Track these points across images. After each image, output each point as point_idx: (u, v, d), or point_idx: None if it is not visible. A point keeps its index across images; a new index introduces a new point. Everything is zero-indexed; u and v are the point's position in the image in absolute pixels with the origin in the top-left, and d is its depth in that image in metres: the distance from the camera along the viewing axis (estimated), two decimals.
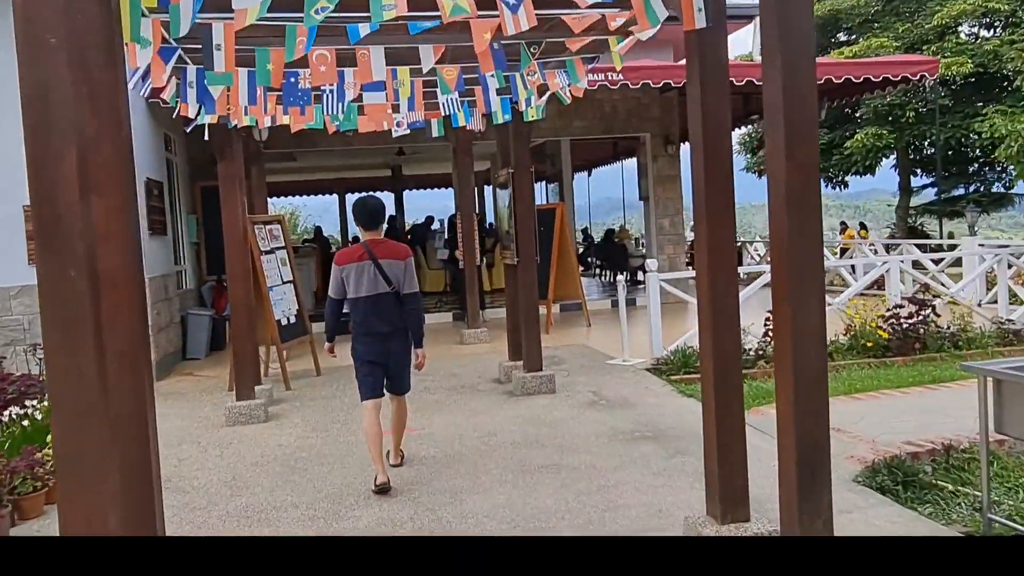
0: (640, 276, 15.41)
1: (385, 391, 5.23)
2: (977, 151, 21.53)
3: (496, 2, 3.66)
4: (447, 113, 6.45)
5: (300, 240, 20.06)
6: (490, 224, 15.30)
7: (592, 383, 7.70)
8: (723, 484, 3.80)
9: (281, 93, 5.45)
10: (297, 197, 27.51)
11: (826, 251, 14.39)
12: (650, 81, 10.48)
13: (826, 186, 23.24)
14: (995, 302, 10.57)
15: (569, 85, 5.84)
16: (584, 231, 23.88)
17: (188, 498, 5.09)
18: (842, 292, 9.94)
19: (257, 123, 6.52)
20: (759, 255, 18.64)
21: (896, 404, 6.52)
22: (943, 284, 11.32)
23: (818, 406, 3.19)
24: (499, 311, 10.94)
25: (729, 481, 3.80)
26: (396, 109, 6.26)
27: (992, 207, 23.62)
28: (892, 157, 22.50)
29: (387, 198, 19.01)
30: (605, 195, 28.64)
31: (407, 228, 19.85)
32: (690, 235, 18.42)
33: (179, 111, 5.10)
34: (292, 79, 4.97)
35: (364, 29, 3.80)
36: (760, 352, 8.10)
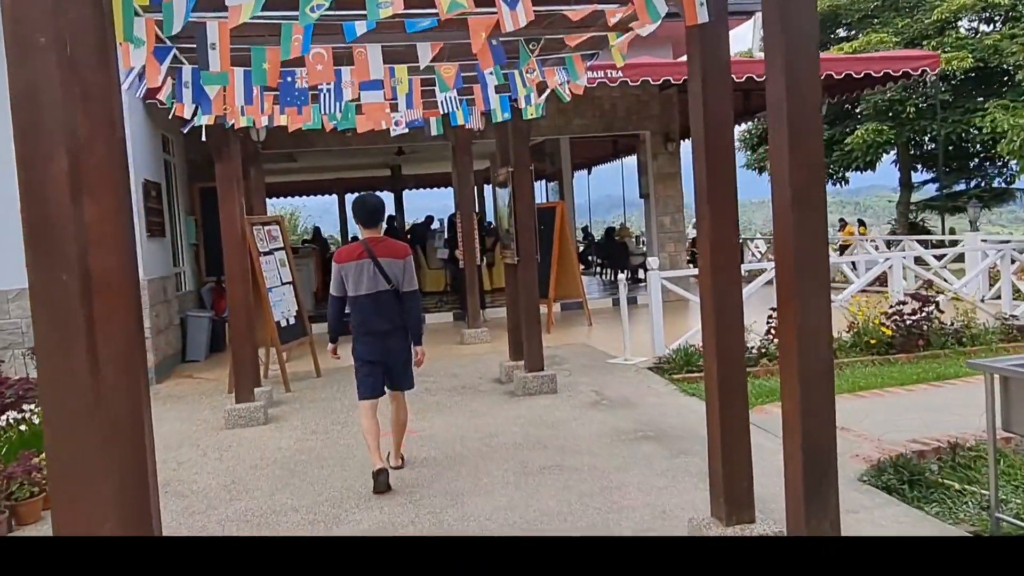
0: (641, 274, 15.37)
1: (386, 389, 5.21)
2: (978, 146, 21.46)
3: None
4: (445, 111, 6.40)
5: (300, 241, 20.03)
6: (489, 223, 15.26)
7: (594, 383, 7.65)
8: (727, 485, 3.75)
9: (278, 93, 5.41)
10: (297, 198, 27.49)
11: None
12: (650, 78, 10.42)
13: (826, 182, 23.13)
14: (998, 298, 10.52)
15: (568, 82, 5.79)
16: (584, 229, 23.84)
17: (187, 502, 5.05)
18: (844, 289, 9.89)
19: (254, 123, 6.47)
20: (760, 252, 18.60)
21: (900, 402, 6.47)
22: (945, 280, 11.27)
23: (824, 406, 3.14)
24: (500, 310, 10.89)
25: (734, 482, 3.75)
26: (394, 108, 6.22)
27: (993, 202, 23.55)
28: (892, 153, 22.43)
29: (387, 198, 18.91)
30: (605, 193, 28.59)
31: (407, 228, 19.82)
32: (691, 232, 18.42)
33: (175, 112, 5.05)
34: (289, 78, 4.93)
35: (361, 27, 3.75)
36: (763, 350, 8.05)
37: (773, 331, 8.12)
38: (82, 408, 2.53)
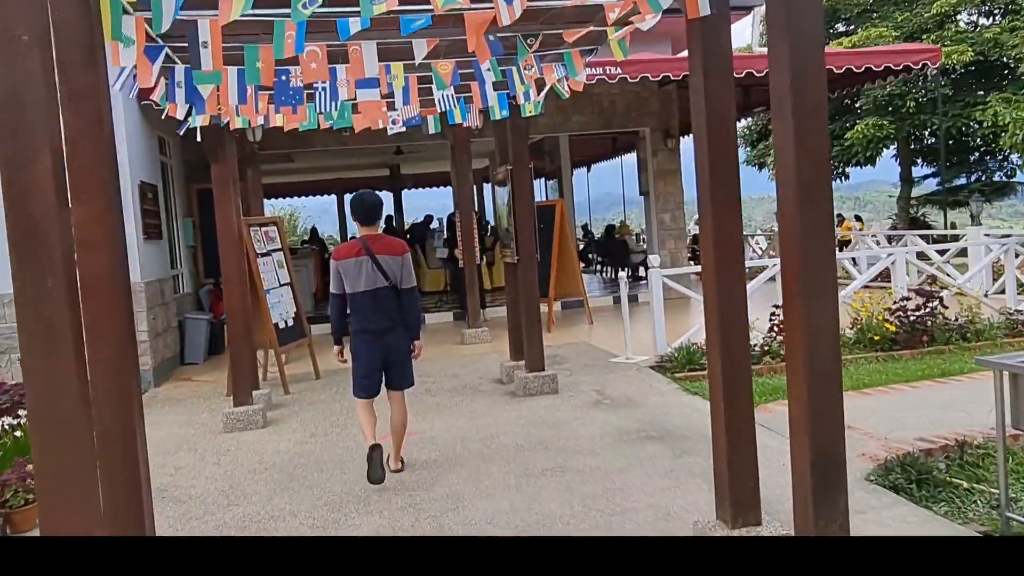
0: (642, 272, 15.30)
1: (385, 388, 5.20)
2: (978, 140, 21.37)
3: None
4: (443, 110, 6.32)
5: (299, 242, 19.95)
6: (487, 223, 15.19)
7: (595, 382, 7.58)
8: (733, 487, 3.68)
9: (273, 92, 5.33)
10: (296, 198, 27.41)
11: None
12: (649, 74, 10.34)
13: None
14: (1002, 292, 10.44)
15: (567, 79, 5.71)
16: (584, 227, 23.76)
17: (184, 508, 4.98)
18: (846, 285, 9.82)
19: (250, 123, 6.40)
20: (761, 249, 18.53)
21: (906, 399, 6.40)
22: (949, 275, 11.20)
23: (832, 407, 3.07)
24: (500, 310, 10.83)
25: (739, 484, 3.68)
26: (391, 107, 6.15)
27: (994, 196, 23.46)
28: (892, 148, 22.35)
29: (386, 197, 18.88)
30: (605, 191, 28.52)
31: (406, 227, 19.76)
32: (691, 229, 18.35)
33: (168, 112, 4.98)
34: (283, 77, 4.85)
35: (355, 25, 3.68)
36: (766, 348, 7.98)
37: (776, 328, 8.05)
38: (70, 417, 2.46)
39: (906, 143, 22.10)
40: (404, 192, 22.69)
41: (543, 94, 6.50)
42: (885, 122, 19.99)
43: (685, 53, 3.75)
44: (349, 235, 21.02)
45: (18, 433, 5.57)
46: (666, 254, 13.14)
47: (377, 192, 5.48)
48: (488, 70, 5.20)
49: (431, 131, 7.36)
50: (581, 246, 19.41)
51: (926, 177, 24.30)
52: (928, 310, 8.34)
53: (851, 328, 8.39)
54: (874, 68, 10.95)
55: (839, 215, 21.67)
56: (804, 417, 3.05)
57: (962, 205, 21.56)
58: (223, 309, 9.91)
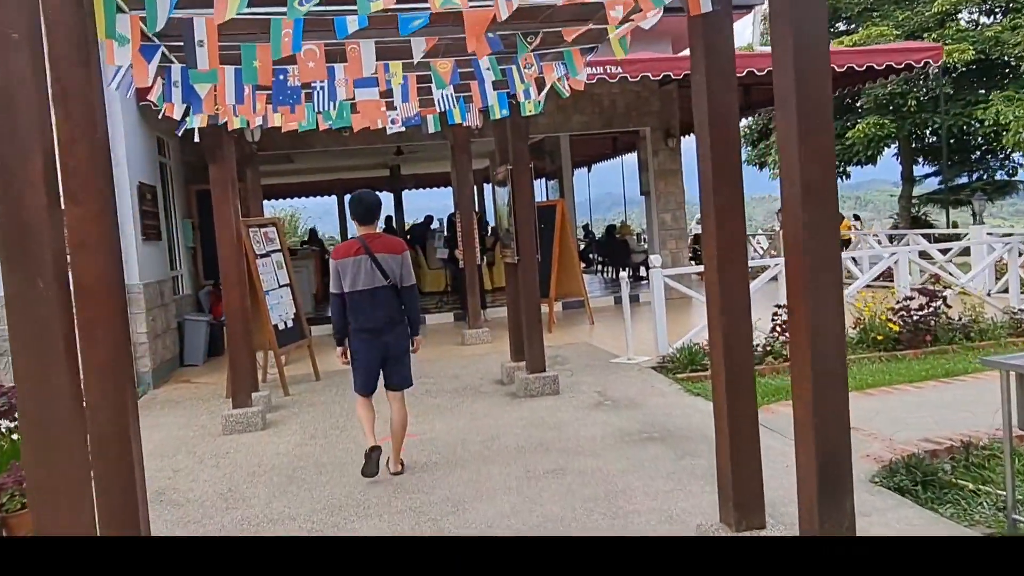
0: (643, 272, 15.25)
1: (384, 389, 5.18)
2: (979, 139, 21.32)
3: None
4: (443, 109, 6.28)
5: (299, 243, 19.91)
6: (488, 223, 15.15)
7: (597, 383, 7.54)
8: (737, 490, 3.63)
9: (271, 92, 5.29)
10: (296, 199, 27.38)
11: None
12: (649, 74, 10.30)
13: None
14: (1006, 291, 10.39)
15: (567, 77, 5.67)
16: (585, 227, 23.73)
17: (182, 512, 4.94)
18: (848, 285, 9.76)
19: (248, 124, 6.36)
20: (762, 248, 18.47)
21: (910, 399, 6.35)
22: (951, 274, 11.14)
23: (838, 409, 3.03)
24: (500, 310, 10.78)
25: (743, 487, 3.63)
26: (391, 107, 6.11)
27: (995, 195, 23.40)
28: (894, 146, 22.29)
29: (386, 198, 18.86)
30: (606, 191, 28.46)
31: (406, 228, 19.72)
32: (693, 229, 18.30)
33: (165, 112, 4.94)
34: (281, 76, 4.81)
35: (352, 23, 3.63)
36: (768, 348, 7.93)
37: (778, 329, 8.00)
38: (63, 421, 2.41)
39: (907, 142, 22.05)
40: (404, 192, 22.65)
41: (543, 93, 6.45)
42: (886, 121, 19.94)
43: (686, 52, 3.71)
44: (349, 235, 20.97)
45: (15, 436, 5.52)
46: (667, 254, 13.09)
47: (377, 193, 5.45)
48: (488, 69, 5.16)
49: (431, 131, 7.32)
50: (582, 246, 19.37)
51: (927, 176, 24.26)
52: (931, 309, 8.29)
53: (854, 328, 8.34)
54: (876, 67, 10.90)
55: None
56: (809, 418, 3.01)
57: (964, 204, 21.52)
58: (222, 310, 9.87)
